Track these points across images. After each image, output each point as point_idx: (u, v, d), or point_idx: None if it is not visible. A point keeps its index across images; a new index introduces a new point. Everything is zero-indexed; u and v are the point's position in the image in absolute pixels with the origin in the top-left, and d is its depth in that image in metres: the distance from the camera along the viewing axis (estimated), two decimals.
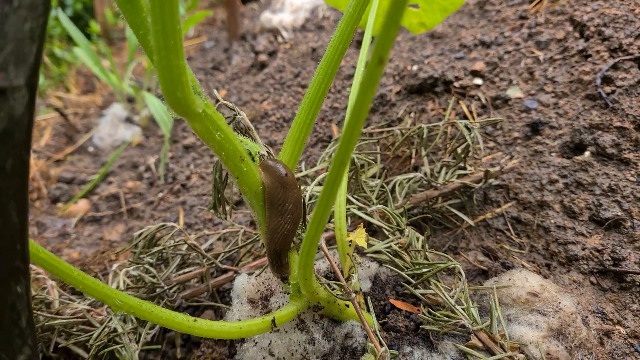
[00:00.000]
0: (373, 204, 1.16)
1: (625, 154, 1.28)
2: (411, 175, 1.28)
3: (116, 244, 1.35)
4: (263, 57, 1.92)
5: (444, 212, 1.31)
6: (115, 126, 1.79)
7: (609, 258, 1.16)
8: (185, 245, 1.12)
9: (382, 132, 1.43)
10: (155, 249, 1.10)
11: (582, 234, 1.19)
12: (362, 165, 1.36)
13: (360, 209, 1.13)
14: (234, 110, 0.79)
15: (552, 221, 1.25)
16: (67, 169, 1.39)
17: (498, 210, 1.32)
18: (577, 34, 1.59)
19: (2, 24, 0.42)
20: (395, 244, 1.05)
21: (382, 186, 1.22)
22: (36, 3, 0.43)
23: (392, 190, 1.24)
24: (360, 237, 0.94)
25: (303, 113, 0.78)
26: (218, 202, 0.89)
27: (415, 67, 1.74)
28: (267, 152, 0.77)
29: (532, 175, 1.37)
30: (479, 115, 1.55)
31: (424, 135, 1.32)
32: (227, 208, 0.91)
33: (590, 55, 1.49)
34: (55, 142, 1.53)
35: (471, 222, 1.28)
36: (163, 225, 1.08)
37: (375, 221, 1.09)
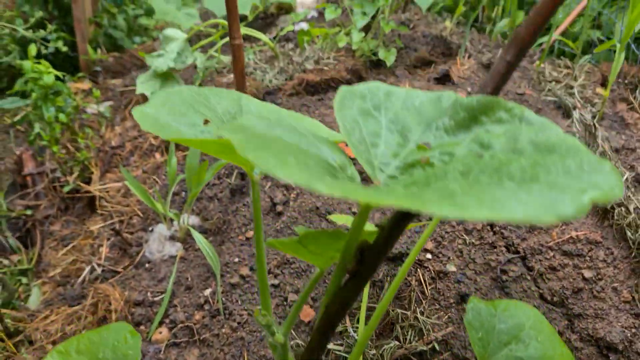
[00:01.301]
0: None
1: None
2: None
3: None
4: (280, 208, 2.25)
5: None
6: (162, 243, 2.10)
7: None
8: None
9: None
10: None
11: None
12: None
13: None
14: None
15: None
16: (133, 286, 1.72)
17: None
18: (489, 228, 2.11)
19: None
20: None
21: None
22: None
23: None
24: None
25: None
26: None
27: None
28: None
29: (461, 336, 1.85)
30: (429, 283, 2.03)
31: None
32: None
33: (495, 247, 2.00)
34: (112, 255, 1.86)
35: None
36: None
37: None
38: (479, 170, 0.52)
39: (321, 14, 2.90)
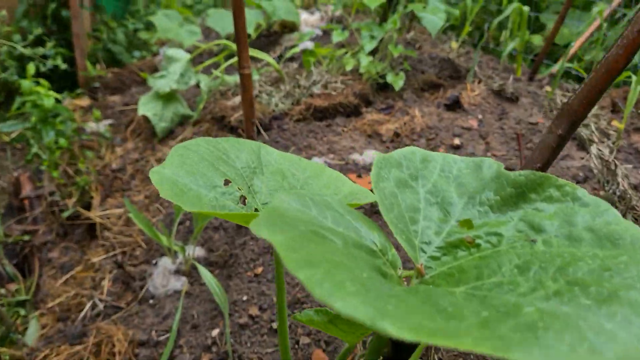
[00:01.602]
0: None
1: None
2: None
3: None
4: None
5: None
6: (166, 277, 2.04)
7: None
8: None
9: None
10: None
11: None
12: None
13: None
14: None
15: None
16: (137, 324, 1.65)
17: None
18: None
19: None
20: None
21: None
22: None
23: None
24: None
25: None
26: None
27: None
28: None
29: None
30: None
31: None
32: None
33: None
34: (115, 289, 1.79)
35: None
36: None
37: None
38: (539, 266, 0.47)
39: (326, 33, 2.86)
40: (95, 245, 1.94)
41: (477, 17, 2.97)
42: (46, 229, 2.15)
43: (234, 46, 2.22)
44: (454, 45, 2.59)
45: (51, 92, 2.00)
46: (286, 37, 2.84)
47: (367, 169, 1.67)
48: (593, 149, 1.45)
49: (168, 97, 2.32)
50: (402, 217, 0.59)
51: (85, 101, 3.31)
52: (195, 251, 1.73)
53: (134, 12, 3.88)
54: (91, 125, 2.94)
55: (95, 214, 2.04)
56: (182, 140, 2.23)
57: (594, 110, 1.77)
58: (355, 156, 1.76)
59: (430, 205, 0.61)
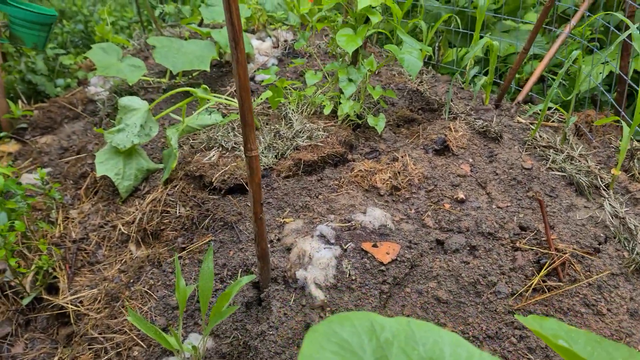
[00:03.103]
0: None
1: None
2: None
3: None
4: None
5: None
6: None
7: None
8: None
9: None
10: None
11: None
12: None
13: None
14: None
15: None
16: None
17: None
18: None
19: None
20: None
21: None
22: None
23: None
24: None
25: None
26: None
27: None
28: None
29: None
30: None
31: None
32: None
33: None
34: None
35: None
36: None
37: None
38: None
39: (281, 60, 2.75)
40: (70, 334, 1.70)
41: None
42: (4, 319, 1.87)
43: (198, 93, 2.05)
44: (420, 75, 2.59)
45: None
46: None
47: (378, 233, 1.62)
48: (606, 206, 1.51)
49: (128, 152, 2.10)
50: None
51: (12, 146, 2.91)
52: (206, 342, 1.57)
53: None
54: (27, 177, 2.60)
55: (64, 300, 1.81)
56: (152, 201, 2.04)
57: (580, 149, 1.84)
58: (359, 217, 1.70)
59: None
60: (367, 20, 2.02)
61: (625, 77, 1.98)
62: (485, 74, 2.65)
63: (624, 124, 1.60)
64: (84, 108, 3.01)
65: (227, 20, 1.20)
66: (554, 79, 2.52)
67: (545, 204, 1.43)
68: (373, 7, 1.94)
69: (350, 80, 2.01)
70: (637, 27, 1.64)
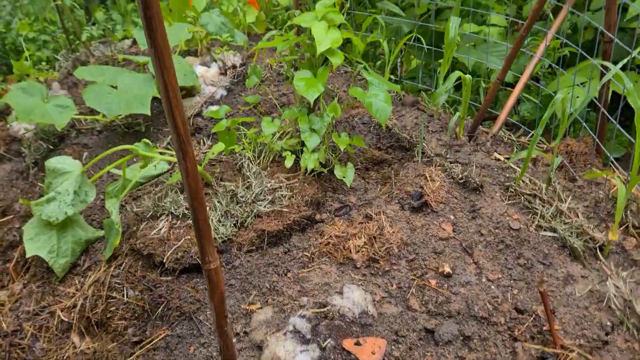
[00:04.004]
0: None
1: None
2: None
3: None
4: None
5: None
6: None
7: None
8: None
9: None
10: None
11: None
12: None
13: None
14: None
15: None
16: None
17: None
18: None
19: None
20: None
21: None
22: None
23: None
24: None
25: None
26: None
27: None
28: None
29: None
30: None
31: None
32: None
33: None
34: None
35: None
36: None
37: None
38: None
39: (230, 90, 2.48)
40: None
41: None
42: None
43: (139, 150, 1.78)
44: None
45: None
46: (185, 103, 2.40)
47: (359, 324, 1.43)
48: (610, 287, 1.37)
49: (62, 224, 1.82)
50: None
51: None
52: None
53: None
54: None
55: None
56: (94, 283, 1.77)
57: (569, 202, 1.69)
58: (336, 299, 1.50)
59: None
60: (327, 60, 1.80)
61: (601, 107, 1.86)
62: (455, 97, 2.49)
63: (619, 182, 1.47)
64: (7, 148, 2.65)
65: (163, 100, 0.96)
66: (528, 99, 2.39)
67: (544, 286, 1.28)
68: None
69: (312, 130, 1.79)
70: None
